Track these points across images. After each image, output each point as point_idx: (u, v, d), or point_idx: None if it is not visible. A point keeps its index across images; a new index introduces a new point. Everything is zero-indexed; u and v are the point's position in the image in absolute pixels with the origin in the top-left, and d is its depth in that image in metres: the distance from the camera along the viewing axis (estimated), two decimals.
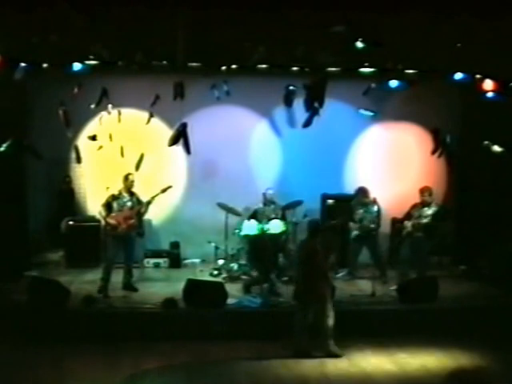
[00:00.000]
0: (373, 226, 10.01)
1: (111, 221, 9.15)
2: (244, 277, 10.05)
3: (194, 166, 11.28)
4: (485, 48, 8.81)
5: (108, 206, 9.23)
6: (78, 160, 10.43)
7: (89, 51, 9.23)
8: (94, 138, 10.06)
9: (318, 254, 7.62)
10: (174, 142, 9.09)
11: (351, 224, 10.26)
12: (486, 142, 10.06)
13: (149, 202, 9.31)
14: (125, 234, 9.18)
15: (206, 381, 7.07)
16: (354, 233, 10.21)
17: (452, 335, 8.09)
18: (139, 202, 9.29)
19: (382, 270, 10.11)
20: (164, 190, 9.39)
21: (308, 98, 9.56)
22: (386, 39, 8.69)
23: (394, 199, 10.94)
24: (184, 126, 9.00)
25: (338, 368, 7.37)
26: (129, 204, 9.23)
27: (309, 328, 7.66)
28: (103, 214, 9.23)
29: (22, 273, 9.71)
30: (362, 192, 10.25)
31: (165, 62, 9.69)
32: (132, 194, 9.30)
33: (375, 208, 10.07)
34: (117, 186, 9.40)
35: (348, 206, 10.41)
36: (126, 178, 9.29)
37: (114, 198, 9.28)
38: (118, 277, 9.44)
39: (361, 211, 10.17)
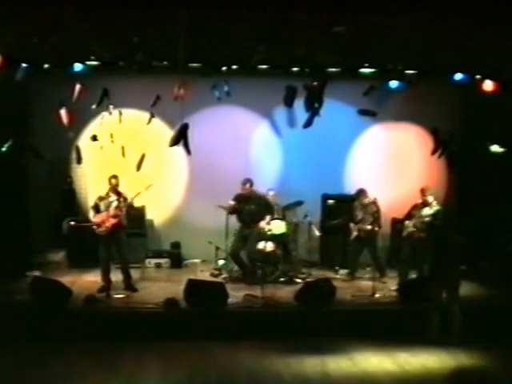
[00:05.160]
0: (370, 227, 10.02)
1: (95, 220, 9.22)
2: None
3: (195, 166, 11.30)
4: (485, 48, 8.82)
5: (96, 208, 9.32)
6: (79, 160, 10.46)
7: (90, 52, 9.27)
8: (94, 138, 10.09)
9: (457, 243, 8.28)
10: (175, 142, 9.09)
11: (351, 225, 10.28)
12: (486, 142, 10.08)
13: (132, 199, 9.33)
14: (110, 233, 9.20)
15: (206, 381, 7.10)
16: (354, 234, 10.23)
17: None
18: (126, 200, 9.31)
19: (381, 270, 10.13)
20: (147, 188, 9.39)
21: (308, 99, 9.59)
22: (386, 39, 8.71)
23: (395, 199, 10.96)
24: (185, 127, 9.01)
25: (339, 367, 7.38)
26: (114, 204, 9.25)
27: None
28: (91, 215, 9.34)
29: (23, 273, 9.74)
30: (362, 193, 10.27)
31: (165, 63, 9.73)
32: (119, 194, 9.33)
33: (374, 209, 10.08)
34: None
35: (348, 207, 10.42)
36: (110, 179, 9.34)
37: (101, 198, 9.36)
38: (119, 277, 9.47)
39: (360, 213, 10.19)
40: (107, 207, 9.26)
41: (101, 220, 9.21)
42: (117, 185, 9.34)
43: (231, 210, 9.96)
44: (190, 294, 8.55)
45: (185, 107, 9.53)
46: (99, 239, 9.31)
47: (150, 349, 7.78)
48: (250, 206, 9.81)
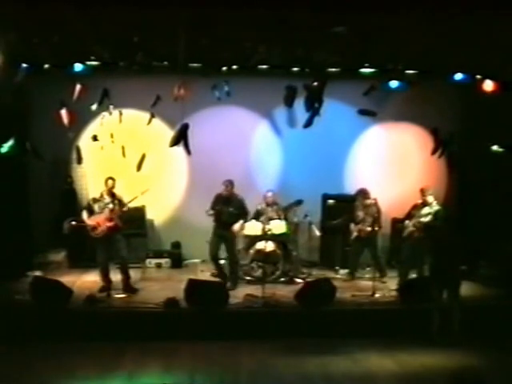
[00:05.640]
0: (370, 228, 10.02)
1: (90, 222, 9.16)
2: (248, 278, 10.04)
3: (195, 166, 11.30)
4: (485, 48, 8.82)
5: (89, 209, 9.27)
6: (79, 161, 10.47)
7: (90, 52, 9.28)
8: (95, 138, 10.10)
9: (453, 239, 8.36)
10: (175, 142, 9.10)
11: (352, 225, 10.28)
12: (486, 142, 10.08)
13: (127, 203, 9.28)
14: (106, 236, 9.14)
15: (206, 381, 7.10)
16: (354, 234, 10.23)
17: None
18: (121, 203, 9.25)
19: (381, 270, 10.14)
20: (143, 193, 9.36)
21: (308, 99, 9.60)
22: (386, 39, 8.72)
23: (395, 199, 10.96)
24: (185, 127, 9.02)
25: (339, 367, 7.40)
26: (110, 206, 9.17)
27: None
28: (84, 216, 9.26)
29: (24, 273, 9.74)
30: (363, 193, 10.27)
31: (166, 63, 9.74)
32: (114, 196, 9.27)
33: (375, 210, 10.07)
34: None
35: (349, 207, 10.42)
36: (107, 181, 9.28)
37: (95, 200, 9.30)
38: (119, 276, 9.46)
39: (361, 213, 10.19)
40: (102, 209, 9.20)
41: (96, 222, 9.15)
42: (113, 187, 9.28)
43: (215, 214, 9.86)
44: (190, 293, 8.56)
45: (185, 107, 9.55)
46: (96, 242, 9.27)
47: (150, 348, 7.78)
48: (229, 209, 9.73)
